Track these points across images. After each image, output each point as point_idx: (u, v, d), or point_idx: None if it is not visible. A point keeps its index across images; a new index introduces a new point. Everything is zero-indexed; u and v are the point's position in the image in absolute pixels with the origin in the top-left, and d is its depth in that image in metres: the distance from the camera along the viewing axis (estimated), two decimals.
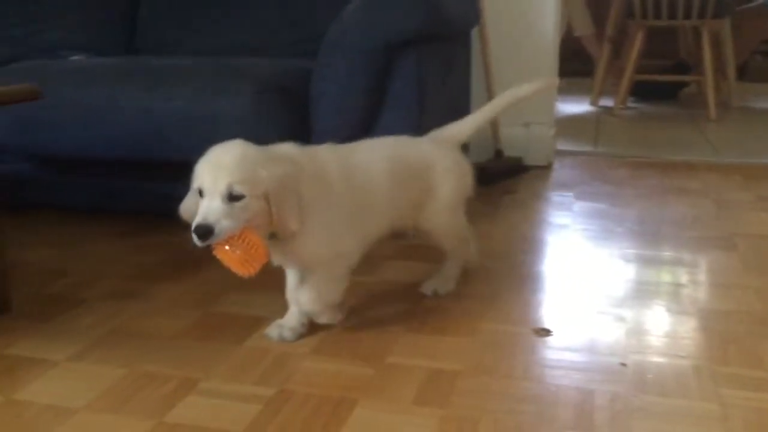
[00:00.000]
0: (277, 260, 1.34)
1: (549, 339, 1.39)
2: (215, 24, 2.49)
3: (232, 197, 1.18)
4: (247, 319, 1.48)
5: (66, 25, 2.56)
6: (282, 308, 1.44)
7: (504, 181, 2.60)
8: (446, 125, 1.61)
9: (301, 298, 1.36)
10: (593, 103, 4.18)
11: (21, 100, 1.49)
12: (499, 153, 2.74)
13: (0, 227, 1.51)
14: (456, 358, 1.31)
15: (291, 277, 1.44)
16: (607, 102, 4.12)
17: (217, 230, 1.16)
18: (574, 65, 4.08)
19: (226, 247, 1.20)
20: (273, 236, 1.27)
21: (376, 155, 1.44)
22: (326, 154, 1.37)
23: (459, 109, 2.47)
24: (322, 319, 1.41)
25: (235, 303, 1.57)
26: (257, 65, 1.94)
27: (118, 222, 2.12)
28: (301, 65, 1.93)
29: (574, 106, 4.11)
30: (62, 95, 1.88)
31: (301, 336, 1.41)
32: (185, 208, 1.29)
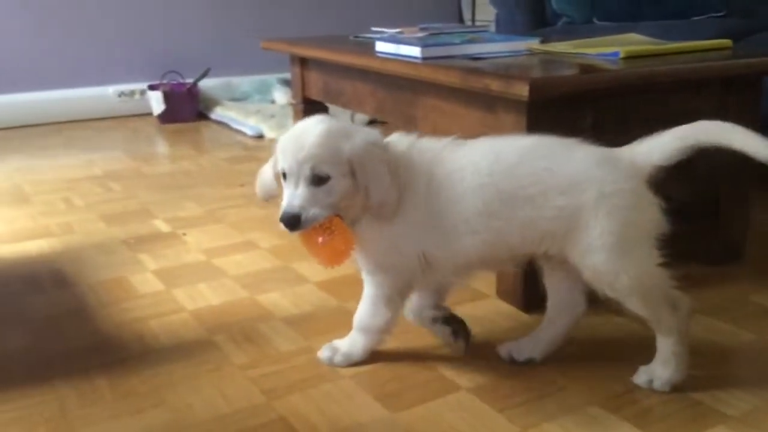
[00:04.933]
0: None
1: None
2: None
3: (318, 180, 1.10)
4: None
5: None
6: None
7: None
8: (640, 140, 1.17)
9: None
10: None
11: None
12: None
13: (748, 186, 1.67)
14: None
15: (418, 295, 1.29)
16: None
17: (304, 218, 1.10)
18: None
19: (312, 236, 1.12)
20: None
21: (478, 160, 1.15)
22: (423, 146, 1.19)
23: None
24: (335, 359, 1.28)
25: None
26: None
27: None
28: None
29: None
30: None
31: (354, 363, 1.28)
32: (262, 183, 1.23)
